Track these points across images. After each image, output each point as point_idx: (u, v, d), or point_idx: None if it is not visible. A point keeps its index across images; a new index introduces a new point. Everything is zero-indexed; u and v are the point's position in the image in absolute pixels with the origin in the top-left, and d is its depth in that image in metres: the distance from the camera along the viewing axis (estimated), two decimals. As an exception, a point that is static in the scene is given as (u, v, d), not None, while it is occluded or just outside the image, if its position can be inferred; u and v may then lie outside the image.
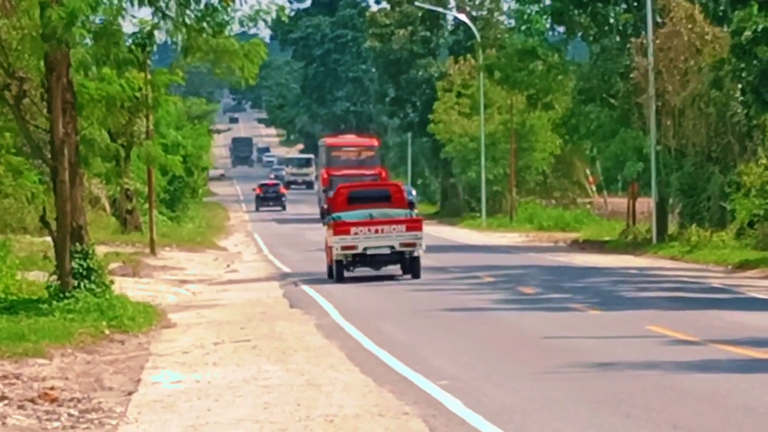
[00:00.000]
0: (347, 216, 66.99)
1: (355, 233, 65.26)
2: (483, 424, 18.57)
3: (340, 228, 65.17)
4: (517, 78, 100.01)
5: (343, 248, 65.16)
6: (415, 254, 65.60)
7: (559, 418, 19.40)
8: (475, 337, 31.22)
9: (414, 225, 68.36)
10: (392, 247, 65.70)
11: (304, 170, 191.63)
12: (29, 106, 37.42)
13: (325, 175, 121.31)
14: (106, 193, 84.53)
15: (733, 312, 38.58)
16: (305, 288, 47.84)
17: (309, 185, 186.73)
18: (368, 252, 66.19)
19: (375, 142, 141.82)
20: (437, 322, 35.17)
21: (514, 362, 26.45)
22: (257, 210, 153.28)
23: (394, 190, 76.82)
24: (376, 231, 66.16)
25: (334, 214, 68.17)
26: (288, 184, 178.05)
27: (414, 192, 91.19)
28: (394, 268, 66.33)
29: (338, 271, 64.73)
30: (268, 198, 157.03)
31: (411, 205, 74.34)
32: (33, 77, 37.19)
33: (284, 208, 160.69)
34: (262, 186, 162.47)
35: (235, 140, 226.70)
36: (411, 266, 65.64)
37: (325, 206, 79.89)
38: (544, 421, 18.99)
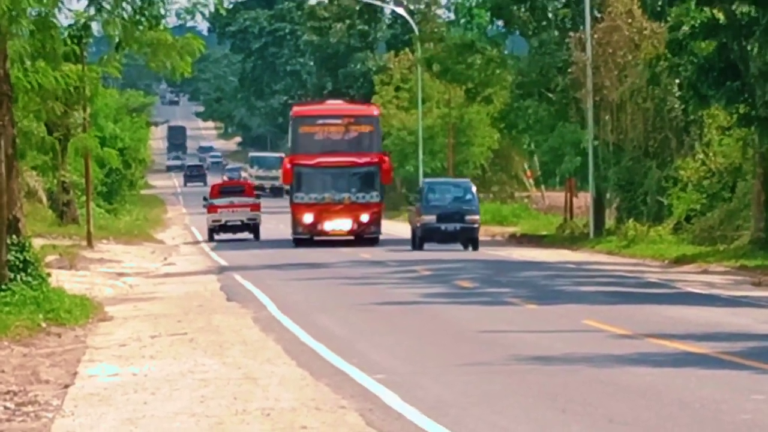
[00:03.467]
0: (217, 201, 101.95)
1: (221, 212, 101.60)
2: (419, 417, 18.60)
3: (211, 208, 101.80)
4: (455, 71, 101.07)
5: (213, 221, 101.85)
6: (257, 222, 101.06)
7: (495, 412, 19.44)
8: (412, 331, 31.21)
9: (255, 207, 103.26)
10: (242, 221, 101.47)
11: (274, 172, 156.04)
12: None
13: (288, 166, 79.47)
14: (42, 186, 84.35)
15: (670, 306, 38.68)
16: (242, 281, 47.78)
17: (277, 192, 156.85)
18: (228, 223, 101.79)
19: (373, 111, 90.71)
20: (374, 316, 35.18)
21: (450, 356, 26.46)
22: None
23: (246, 186, 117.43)
24: (233, 211, 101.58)
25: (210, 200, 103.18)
26: (259, 190, 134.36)
27: (474, 189, 73.24)
28: (245, 235, 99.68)
29: (209, 235, 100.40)
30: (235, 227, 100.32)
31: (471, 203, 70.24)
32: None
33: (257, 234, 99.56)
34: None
35: (170, 128, 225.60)
36: (255, 231, 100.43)
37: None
38: (480, 414, 19.04)
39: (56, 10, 38.30)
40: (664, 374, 23.69)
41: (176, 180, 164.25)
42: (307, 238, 59.43)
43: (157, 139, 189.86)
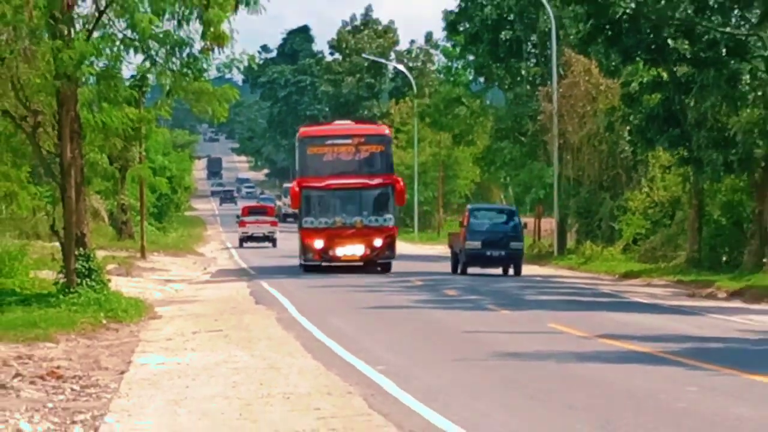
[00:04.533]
0: (246, 218, 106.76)
1: (248, 226, 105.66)
2: (413, 402, 18.59)
3: (241, 222, 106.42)
4: (443, 122, 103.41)
5: (243, 233, 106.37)
6: (275, 236, 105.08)
7: (475, 398, 19.43)
8: (407, 331, 31.19)
9: (274, 223, 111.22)
10: (264, 234, 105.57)
11: None
12: (42, 135, 37.28)
13: (296, 189, 60.50)
14: (105, 207, 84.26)
15: (619, 313, 38.62)
16: (268, 287, 47.74)
17: None
18: (253, 235, 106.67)
19: (384, 130, 71.15)
20: (377, 318, 35.13)
21: (438, 352, 26.46)
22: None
23: (268, 209, 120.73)
24: (257, 226, 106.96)
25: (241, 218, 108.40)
26: (285, 217, 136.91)
27: (518, 217, 63.16)
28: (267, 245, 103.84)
29: (240, 243, 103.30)
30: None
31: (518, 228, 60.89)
32: (46, 111, 37.05)
33: (274, 243, 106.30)
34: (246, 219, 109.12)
35: (209, 159, 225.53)
36: (273, 242, 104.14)
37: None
38: (463, 400, 19.01)
39: (119, 63, 38.29)
40: (614, 369, 23.68)
41: (214, 203, 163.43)
42: (316, 265, 50.17)
43: (199, 170, 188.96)
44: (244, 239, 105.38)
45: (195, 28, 37.35)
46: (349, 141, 50.63)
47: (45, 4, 35.22)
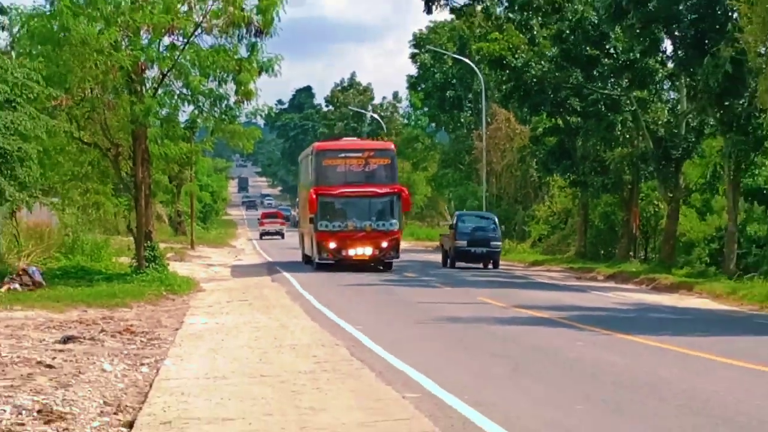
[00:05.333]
0: (264, 220, 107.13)
1: (265, 225, 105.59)
2: (381, 351, 18.59)
3: (261, 223, 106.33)
4: (406, 154, 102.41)
5: (261, 229, 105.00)
6: (283, 232, 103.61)
7: (426, 348, 19.47)
8: (378, 302, 31.11)
9: (283, 223, 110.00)
10: (275, 230, 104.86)
11: None
12: (121, 161, 37.21)
13: (313, 196, 49.48)
14: (165, 212, 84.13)
15: (528, 290, 38.51)
16: (281, 270, 47.64)
17: None
18: (269, 231, 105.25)
19: (390, 146, 56.81)
20: (357, 292, 34.99)
21: (400, 316, 26.45)
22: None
23: (278, 214, 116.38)
24: (271, 225, 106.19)
25: (261, 219, 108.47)
26: (297, 223, 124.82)
27: (497, 220, 57.88)
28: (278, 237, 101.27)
29: (260, 236, 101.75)
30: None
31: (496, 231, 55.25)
32: (124, 144, 36.96)
33: (282, 236, 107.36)
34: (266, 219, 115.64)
35: (239, 178, 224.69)
36: (281, 236, 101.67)
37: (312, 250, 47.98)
38: (417, 349, 19.03)
39: (177, 111, 38.29)
40: (524, 329, 23.63)
41: (243, 210, 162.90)
42: (331, 263, 44.21)
43: (232, 187, 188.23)
44: (263, 234, 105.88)
45: (230, 87, 37.32)
46: (359, 154, 45.40)
47: (125, 68, 35.14)
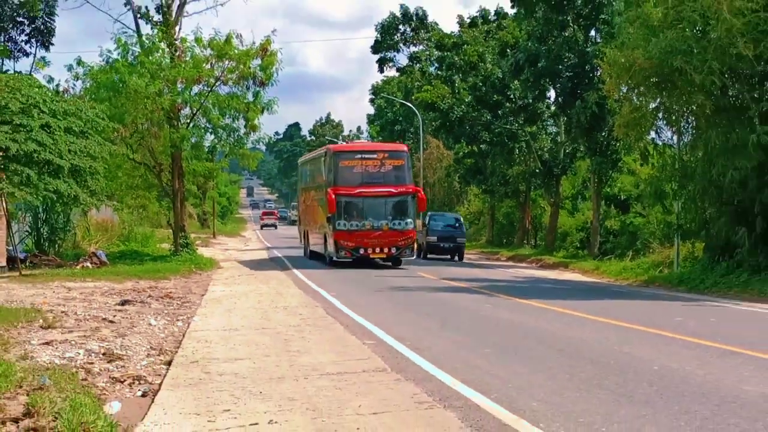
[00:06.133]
0: (264, 217, 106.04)
1: (265, 219, 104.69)
2: (348, 311, 18.53)
3: (261, 218, 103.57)
4: None
5: (261, 223, 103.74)
6: (276, 225, 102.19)
7: (379, 309, 19.37)
8: (349, 277, 30.97)
9: (276, 218, 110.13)
10: (272, 223, 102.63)
11: None
12: (163, 175, 37.06)
13: (332, 196, 37.23)
14: (195, 212, 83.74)
15: (453, 267, 38.49)
16: (277, 254, 47.42)
17: None
18: (267, 223, 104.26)
19: (403, 147, 42.23)
20: (334, 271, 34.91)
21: (363, 287, 26.29)
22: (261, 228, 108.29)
23: (274, 212, 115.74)
24: (268, 220, 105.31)
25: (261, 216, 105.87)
26: (292, 222, 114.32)
27: (462, 219, 52.54)
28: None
29: (261, 227, 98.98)
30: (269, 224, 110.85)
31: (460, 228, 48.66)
32: (165, 163, 36.87)
33: (276, 227, 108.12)
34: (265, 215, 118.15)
35: (248, 188, 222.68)
36: (275, 227, 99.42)
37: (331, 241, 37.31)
38: (373, 310, 18.93)
39: (202, 139, 38.17)
40: (450, 295, 23.55)
41: (250, 210, 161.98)
42: (349, 260, 37.10)
43: (243, 194, 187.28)
44: (263, 226, 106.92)
45: (241, 122, 37.31)
46: (374, 156, 36.46)
47: (165, 109, 35.15)
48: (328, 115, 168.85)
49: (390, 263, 37.61)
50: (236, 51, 36.02)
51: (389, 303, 21.24)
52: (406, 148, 38.68)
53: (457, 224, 48.66)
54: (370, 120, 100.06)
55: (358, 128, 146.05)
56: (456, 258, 46.34)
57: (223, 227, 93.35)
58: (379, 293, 23.87)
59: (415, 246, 37.71)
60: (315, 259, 40.21)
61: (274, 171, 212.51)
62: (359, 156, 36.80)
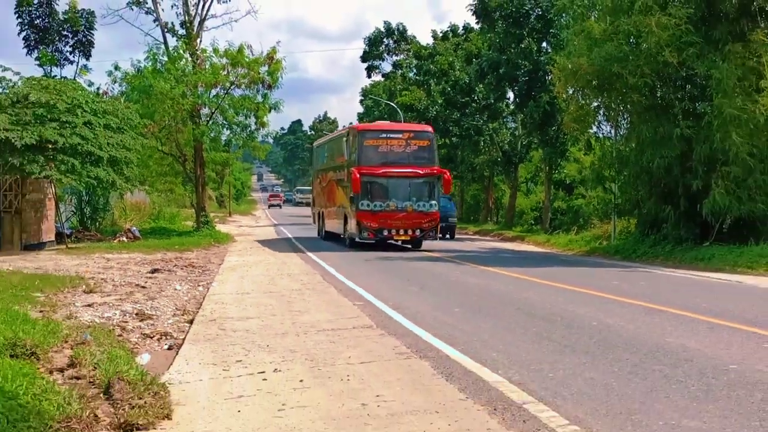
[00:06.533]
0: (271, 199, 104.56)
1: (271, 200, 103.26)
2: (342, 277, 18.50)
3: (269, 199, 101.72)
4: None
5: (269, 203, 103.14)
6: (281, 205, 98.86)
7: (368, 276, 19.34)
8: (343, 255, 30.92)
9: (281, 200, 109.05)
10: (277, 203, 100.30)
11: (307, 195, 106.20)
12: (187, 164, 36.92)
13: (356, 175, 29.51)
14: (214, 195, 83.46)
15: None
16: (283, 229, 47.33)
17: (309, 204, 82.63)
18: (273, 203, 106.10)
19: (428, 128, 32.62)
20: (331, 246, 34.85)
21: (355, 259, 26.24)
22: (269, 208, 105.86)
23: (279, 195, 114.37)
24: (274, 201, 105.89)
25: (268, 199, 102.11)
26: (297, 204, 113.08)
27: (452, 201, 46.77)
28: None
29: (268, 207, 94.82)
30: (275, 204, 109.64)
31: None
32: (188, 154, 36.71)
33: (281, 207, 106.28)
34: (272, 197, 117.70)
35: (258, 174, 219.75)
36: (279, 207, 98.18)
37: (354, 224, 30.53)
38: (362, 277, 18.91)
39: (220, 134, 38.08)
40: (426, 263, 23.53)
41: (261, 193, 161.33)
42: (372, 242, 31.01)
43: (254, 179, 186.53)
44: (270, 206, 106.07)
45: (252, 119, 37.24)
46: (400, 135, 30.07)
47: (188, 109, 35.01)
48: (325, 113, 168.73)
49: (410, 245, 31.09)
50: (247, 59, 35.95)
51: (376, 270, 21.19)
52: (431, 129, 31.78)
53: (449, 205, 41.81)
54: (360, 118, 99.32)
55: (350, 124, 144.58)
56: (448, 236, 40.09)
57: (238, 207, 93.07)
58: (368, 263, 23.79)
59: (438, 228, 30.91)
60: (330, 240, 35.00)
61: (280, 160, 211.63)
62: (384, 135, 30.37)
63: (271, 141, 47.23)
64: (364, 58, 69.39)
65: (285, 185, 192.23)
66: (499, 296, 15.36)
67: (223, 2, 61.91)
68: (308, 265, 22.44)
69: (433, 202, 29.82)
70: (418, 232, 29.78)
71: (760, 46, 23.52)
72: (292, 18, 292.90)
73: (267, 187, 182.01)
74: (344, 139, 31.97)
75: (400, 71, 65.51)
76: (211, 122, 36.91)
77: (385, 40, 68.79)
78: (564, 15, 36.32)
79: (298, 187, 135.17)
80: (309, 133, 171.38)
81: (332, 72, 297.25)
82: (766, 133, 23.29)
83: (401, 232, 29.63)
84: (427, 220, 29.78)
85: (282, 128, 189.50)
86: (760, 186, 23.65)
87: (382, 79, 71.49)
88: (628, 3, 25.87)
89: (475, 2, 45.23)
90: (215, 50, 36.40)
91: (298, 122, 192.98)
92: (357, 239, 30.17)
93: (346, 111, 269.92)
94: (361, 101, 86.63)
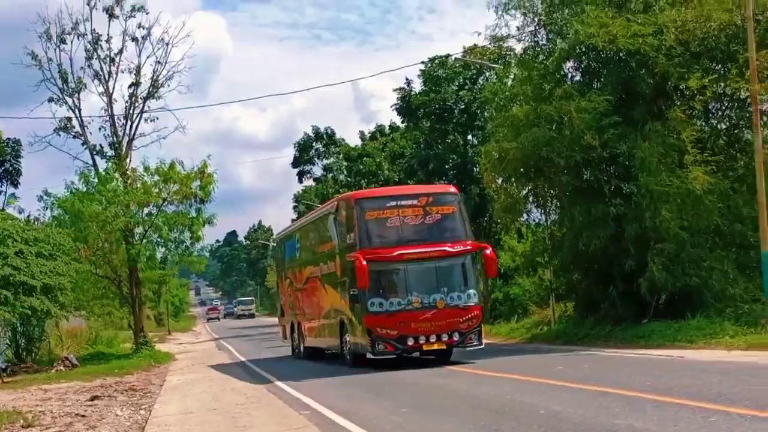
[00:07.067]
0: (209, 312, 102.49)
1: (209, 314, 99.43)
2: (286, 387, 18.19)
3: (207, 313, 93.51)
4: None
5: (207, 316, 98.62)
6: (220, 317, 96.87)
7: (313, 384, 19.04)
8: (285, 354, 30.50)
9: (219, 313, 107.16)
10: (216, 317, 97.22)
11: (250, 306, 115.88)
12: (123, 285, 36.52)
13: (362, 263, 19.15)
14: (152, 313, 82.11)
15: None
16: (224, 343, 46.64)
17: (251, 316, 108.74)
18: (212, 316, 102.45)
19: (451, 189, 22.21)
20: (322, 374, 34.37)
21: (299, 365, 25.87)
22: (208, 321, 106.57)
23: (216, 308, 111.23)
24: (213, 314, 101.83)
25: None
26: (238, 317, 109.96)
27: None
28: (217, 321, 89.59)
29: (207, 320, 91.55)
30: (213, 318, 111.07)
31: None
32: (123, 275, 36.34)
33: (219, 320, 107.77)
34: (210, 310, 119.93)
35: (196, 287, 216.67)
36: (218, 320, 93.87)
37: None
38: (308, 385, 18.57)
39: (155, 252, 37.91)
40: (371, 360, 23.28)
41: (198, 308, 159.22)
42: (392, 357, 19.80)
43: (192, 293, 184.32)
44: (209, 319, 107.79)
45: (187, 234, 37.11)
46: (415, 201, 21.22)
47: (121, 229, 34.85)
48: (260, 222, 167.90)
49: (434, 357, 21.49)
50: (179, 175, 36.08)
51: (321, 375, 20.76)
52: (455, 190, 22.64)
53: None
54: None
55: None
56: None
57: (177, 324, 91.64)
58: (314, 367, 23.41)
59: (483, 331, 21.47)
60: (316, 358, 26.25)
61: (217, 272, 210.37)
62: (393, 204, 21.04)
63: (207, 254, 46.93)
64: (295, 164, 70.13)
65: (223, 297, 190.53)
66: (446, 392, 15.23)
67: (151, 121, 61.91)
68: (253, 378, 22.04)
69: (472, 291, 20.83)
70: (456, 337, 20.48)
71: (678, 123, 24.27)
72: (222, 129, 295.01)
73: (205, 300, 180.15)
74: (331, 217, 23.31)
75: (331, 174, 66.27)
76: (145, 241, 36.68)
77: (314, 144, 69.74)
78: (487, 107, 37.31)
79: (239, 299, 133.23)
80: (244, 243, 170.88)
81: (265, 180, 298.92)
82: (694, 206, 23.83)
83: (432, 338, 20.29)
84: (467, 317, 20.62)
85: (217, 240, 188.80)
86: (693, 260, 24.08)
87: (314, 184, 72.15)
88: (548, 91, 26.57)
89: (399, 102, 46.25)
90: (146, 168, 36.53)
91: (233, 233, 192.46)
92: (370, 355, 20.57)
93: (281, 218, 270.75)
94: (294, 207, 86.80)
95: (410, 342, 20.16)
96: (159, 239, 37.29)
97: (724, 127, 26.64)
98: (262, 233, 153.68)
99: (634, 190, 25.41)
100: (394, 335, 20.07)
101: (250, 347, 40.68)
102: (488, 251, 21.23)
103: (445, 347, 20.57)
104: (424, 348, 20.28)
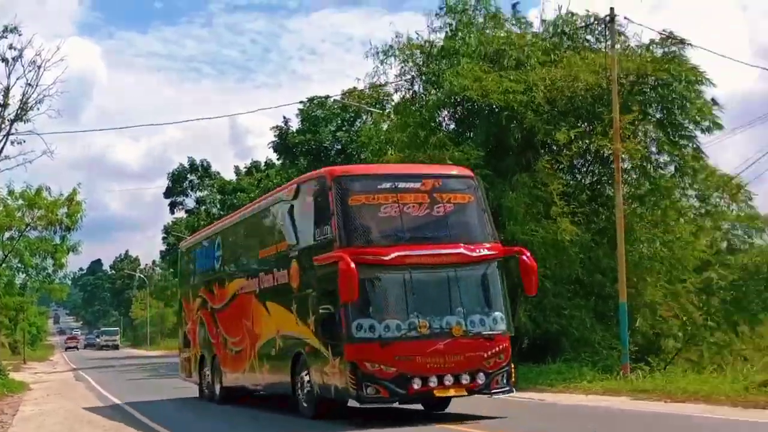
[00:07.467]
0: (68, 341, 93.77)
1: (68, 342, 76.01)
2: (139, 415, 17.81)
3: (66, 342, 72.52)
4: (163, 296, 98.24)
5: (66, 345, 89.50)
6: (79, 347, 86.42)
7: (173, 416, 18.71)
8: (146, 384, 29.79)
9: (77, 342, 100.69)
10: (74, 346, 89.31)
11: (114, 337, 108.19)
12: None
13: (350, 266, 11.31)
14: (6, 341, 78.86)
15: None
16: (82, 373, 45.12)
17: (115, 347, 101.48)
18: (70, 345, 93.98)
19: (467, 172, 14.31)
20: (136, 383, 33.56)
21: (158, 392, 25.26)
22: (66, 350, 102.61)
23: (76, 337, 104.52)
24: (72, 343, 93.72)
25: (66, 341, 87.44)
26: (101, 347, 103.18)
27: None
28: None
29: (65, 349, 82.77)
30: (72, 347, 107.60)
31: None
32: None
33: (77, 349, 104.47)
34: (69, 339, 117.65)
35: (55, 315, 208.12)
36: (76, 348, 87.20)
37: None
38: (163, 414, 18.26)
39: (14, 278, 36.69)
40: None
41: (57, 336, 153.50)
42: (390, 404, 12.09)
43: (51, 322, 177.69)
44: (67, 348, 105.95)
45: (50, 261, 36.21)
46: (418, 184, 13.02)
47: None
48: (127, 251, 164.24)
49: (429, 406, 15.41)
50: (46, 201, 35.19)
51: (186, 409, 20.49)
52: (471, 173, 15.41)
53: None
54: (163, 255, 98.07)
55: (154, 262, 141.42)
56: None
57: (33, 353, 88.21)
58: (170, 398, 23.01)
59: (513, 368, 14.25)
60: (242, 403, 19.51)
61: (79, 301, 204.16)
62: (388, 185, 13.85)
63: (69, 282, 45.62)
64: (167, 194, 69.10)
65: (84, 327, 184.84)
66: None
67: (17, 144, 60.02)
68: (109, 409, 21.50)
69: (498, 314, 14.03)
70: (481, 379, 13.66)
71: (545, 175, 25.23)
72: (93, 155, 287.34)
73: (65, 329, 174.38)
74: (285, 206, 15.99)
75: (204, 207, 65.64)
76: (5, 266, 35.48)
77: (189, 175, 68.96)
78: (363, 150, 37.81)
79: (103, 329, 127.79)
80: (110, 272, 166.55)
81: (134, 209, 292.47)
82: (558, 256, 24.74)
83: (448, 380, 13.37)
84: (492, 351, 13.78)
85: (81, 269, 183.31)
86: (554, 308, 24.97)
87: (186, 215, 71.23)
88: (424, 138, 27.17)
89: (276, 140, 46.37)
90: (10, 193, 35.47)
91: (98, 261, 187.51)
92: (361, 403, 13.41)
93: (150, 248, 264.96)
94: (164, 238, 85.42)
95: (416, 384, 13.13)
96: (20, 265, 36.24)
97: (588, 182, 27.90)
98: (129, 263, 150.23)
99: (501, 239, 26.11)
100: (391, 374, 13.00)
101: (125, 385, 39.71)
102: (524, 257, 14.64)
103: (466, 393, 13.56)
104: (436, 394, 13.37)
